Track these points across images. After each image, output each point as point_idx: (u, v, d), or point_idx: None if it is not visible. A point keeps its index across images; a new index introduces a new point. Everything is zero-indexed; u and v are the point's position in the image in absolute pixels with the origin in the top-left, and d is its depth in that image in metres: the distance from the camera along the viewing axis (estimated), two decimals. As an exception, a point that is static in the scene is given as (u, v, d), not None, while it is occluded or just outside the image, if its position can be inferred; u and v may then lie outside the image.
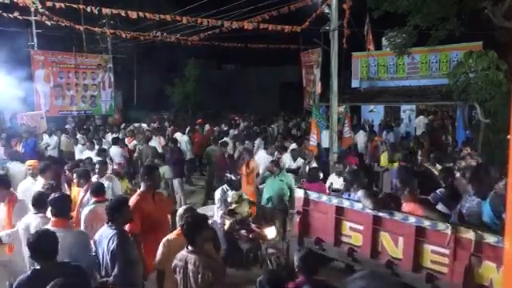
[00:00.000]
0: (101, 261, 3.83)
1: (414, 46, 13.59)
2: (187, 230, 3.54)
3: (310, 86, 16.62)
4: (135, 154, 10.16)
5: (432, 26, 11.86)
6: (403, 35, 12.67)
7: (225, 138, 11.63)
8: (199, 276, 3.39)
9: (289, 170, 8.24)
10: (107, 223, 3.92)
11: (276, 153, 9.72)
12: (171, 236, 4.00)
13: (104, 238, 3.80)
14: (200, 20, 10.86)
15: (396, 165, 9.01)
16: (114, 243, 3.68)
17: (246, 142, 10.90)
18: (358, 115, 17.37)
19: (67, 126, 15.04)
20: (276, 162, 7.69)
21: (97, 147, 10.07)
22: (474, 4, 11.23)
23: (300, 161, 8.66)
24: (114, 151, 9.71)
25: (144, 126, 14.39)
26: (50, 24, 13.23)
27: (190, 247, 3.53)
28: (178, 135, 12.07)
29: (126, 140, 11.44)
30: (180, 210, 4.29)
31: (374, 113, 17.08)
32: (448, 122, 13.89)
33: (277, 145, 10.63)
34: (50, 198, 4.13)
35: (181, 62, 22.53)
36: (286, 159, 8.91)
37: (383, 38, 15.11)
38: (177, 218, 4.24)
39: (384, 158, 9.18)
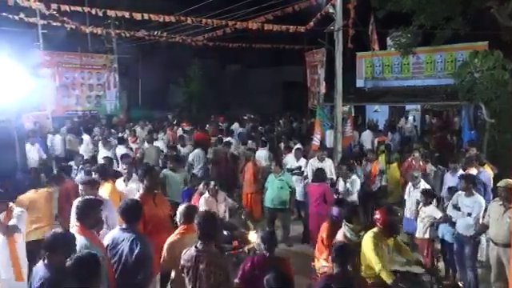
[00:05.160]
0: (116, 265, 3.70)
1: (419, 46, 13.55)
2: (205, 226, 3.52)
3: (314, 86, 16.57)
4: (137, 155, 10.18)
5: (437, 25, 11.82)
6: (408, 35, 12.64)
7: (229, 138, 11.68)
8: (211, 275, 3.38)
9: (290, 170, 8.26)
10: (120, 225, 3.88)
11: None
12: (174, 236, 4.01)
13: (120, 242, 3.71)
14: (204, 20, 10.89)
15: (394, 165, 8.98)
16: (139, 247, 3.60)
17: (249, 142, 10.91)
18: (362, 115, 17.33)
19: (69, 126, 15.07)
20: (279, 162, 7.73)
21: (100, 146, 10.19)
22: (479, 3, 11.19)
23: (303, 161, 8.67)
24: (120, 151, 9.75)
25: (139, 129, 14.16)
26: (55, 24, 13.33)
27: (200, 246, 3.50)
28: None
29: (129, 140, 11.52)
30: (181, 208, 4.26)
31: (379, 113, 17.03)
32: (458, 119, 13.83)
33: (280, 145, 10.67)
34: (77, 203, 3.95)
35: (185, 62, 22.59)
36: (290, 159, 8.93)
37: (388, 38, 15.08)
38: (177, 217, 4.20)
39: (382, 160, 9.13)
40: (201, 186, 6.53)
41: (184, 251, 3.59)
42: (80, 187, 5.02)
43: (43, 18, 13.78)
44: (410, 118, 16.66)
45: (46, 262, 3.16)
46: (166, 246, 3.93)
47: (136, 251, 3.59)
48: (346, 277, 3.60)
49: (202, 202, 6.10)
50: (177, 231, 4.06)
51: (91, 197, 4.30)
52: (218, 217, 5.77)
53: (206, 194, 6.22)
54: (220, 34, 12.43)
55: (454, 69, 13.34)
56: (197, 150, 9.72)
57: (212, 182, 6.23)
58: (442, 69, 14.73)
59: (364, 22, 12.23)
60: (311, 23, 10.39)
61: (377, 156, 9.10)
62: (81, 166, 8.11)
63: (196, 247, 3.51)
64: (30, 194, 5.69)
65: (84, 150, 10.65)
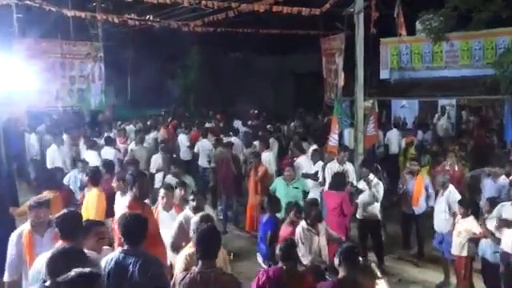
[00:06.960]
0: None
1: (453, 31, 13.42)
2: (205, 243, 3.57)
3: (331, 78, 16.52)
4: (127, 157, 10.16)
5: (474, 7, 11.70)
6: (440, 18, 12.52)
7: (233, 138, 11.65)
8: None
9: (305, 175, 8.20)
10: (122, 247, 3.80)
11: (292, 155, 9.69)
12: (189, 249, 4.20)
13: (126, 267, 3.58)
14: (204, 2, 10.86)
15: (425, 170, 8.86)
16: (151, 270, 3.53)
17: (254, 143, 10.86)
18: (387, 111, 17.22)
19: (47, 124, 15.16)
20: (291, 167, 7.68)
21: (81, 146, 10.22)
22: (524, -19, 11.06)
23: (319, 164, 8.60)
24: (106, 152, 9.74)
25: (131, 127, 14.58)
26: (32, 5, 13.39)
27: (203, 267, 3.52)
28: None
29: (118, 140, 11.52)
30: (195, 218, 4.40)
31: (407, 108, 16.96)
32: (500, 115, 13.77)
33: (292, 146, 10.60)
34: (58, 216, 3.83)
35: (182, 51, 22.62)
36: (303, 163, 8.84)
37: (417, 22, 14.95)
38: (192, 227, 4.33)
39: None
40: (292, 213, 5.75)
41: (180, 276, 3.61)
42: (31, 212, 4.35)
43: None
44: (446, 114, 16.57)
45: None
46: (181, 258, 4.17)
47: (149, 274, 3.47)
48: (354, 281, 3.71)
49: (300, 235, 5.42)
50: (190, 243, 4.27)
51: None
52: (322, 256, 5.44)
53: (304, 224, 5.49)
54: (222, 18, 12.42)
55: (494, 57, 13.26)
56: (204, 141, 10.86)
57: (314, 209, 5.53)
58: (480, 57, 14.64)
59: (389, 3, 12.16)
60: (327, 5, 10.36)
61: (404, 159, 8.97)
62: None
63: (198, 269, 3.53)
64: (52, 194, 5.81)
65: (65, 151, 10.68)
